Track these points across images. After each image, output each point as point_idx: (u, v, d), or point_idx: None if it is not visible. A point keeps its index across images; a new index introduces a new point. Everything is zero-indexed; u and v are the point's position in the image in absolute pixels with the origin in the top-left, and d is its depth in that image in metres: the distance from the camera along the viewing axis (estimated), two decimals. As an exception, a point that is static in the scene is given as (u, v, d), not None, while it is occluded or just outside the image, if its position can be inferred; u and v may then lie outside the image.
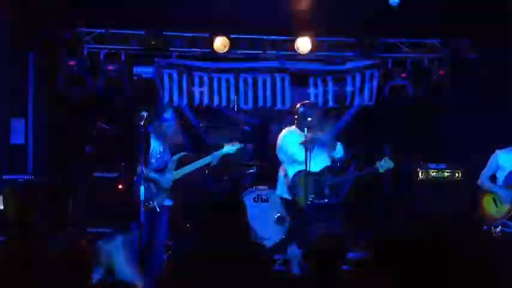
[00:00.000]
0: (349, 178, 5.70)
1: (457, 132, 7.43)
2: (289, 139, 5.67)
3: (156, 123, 5.24)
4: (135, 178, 5.18)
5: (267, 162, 6.90)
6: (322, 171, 5.57)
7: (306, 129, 5.36)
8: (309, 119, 5.50)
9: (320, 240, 3.05)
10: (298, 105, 5.73)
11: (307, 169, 5.27)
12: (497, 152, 5.73)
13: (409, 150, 7.16)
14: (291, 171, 5.60)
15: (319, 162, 5.57)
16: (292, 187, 5.54)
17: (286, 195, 5.61)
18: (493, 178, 5.75)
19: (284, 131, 5.77)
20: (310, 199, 5.41)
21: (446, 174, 6.82)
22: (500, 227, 5.21)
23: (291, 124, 5.81)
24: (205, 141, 7.40)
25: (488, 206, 5.64)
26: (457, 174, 6.80)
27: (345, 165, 5.80)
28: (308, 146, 5.34)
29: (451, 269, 1.97)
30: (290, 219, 5.29)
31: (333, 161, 5.66)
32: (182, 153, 5.39)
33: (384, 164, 5.59)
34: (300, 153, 5.49)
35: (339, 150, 5.69)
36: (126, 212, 5.27)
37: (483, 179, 5.75)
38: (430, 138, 7.38)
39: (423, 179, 6.90)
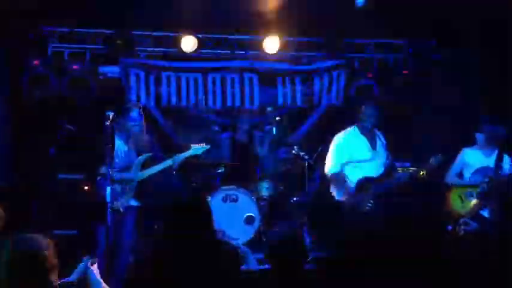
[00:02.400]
0: (399, 181, 5.67)
1: (421, 130, 7.55)
2: (351, 139, 5.70)
3: (121, 123, 5.18)
4: (100, 179, 5.12)
5: (236, 162, 6.90)
6: (381, 176, 5.60)
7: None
8: (374, 118, 5.62)
9: (282, 241, 3.05)
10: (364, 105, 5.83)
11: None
12: (464, 149, 5.84)
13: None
14: (352, 174, 5.63)
15: (379, 165, 5.65)
16: (354, 193, 5.53)
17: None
18: (459, 176, 5.87)
19: (343, 133, 5.78)
20: (369, 205, 5.40)
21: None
22: (462, 226, 5.30)
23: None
24: (173, 141, 7.35)
25: (454, 202, 5.74)
26: (421, 172, 6.90)
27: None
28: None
29: (416, 267, 1.99)
30: (344, 224, 5.36)
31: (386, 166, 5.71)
32: (148, 154, 5.34)
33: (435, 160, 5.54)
34: (363, 153, 5.57)
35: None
36: (91, 213, 5.19)
37: (450, 176, 5.86)
38: (395, 137, 7.46)
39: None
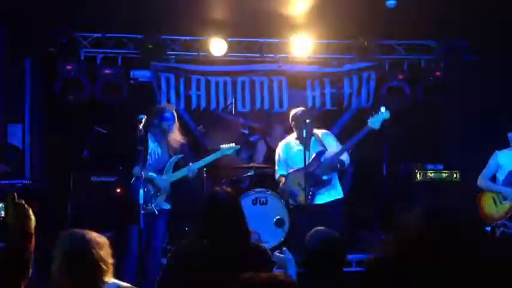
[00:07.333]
0: (344, 148, 5.48)
1: (454, 133, 7.44)
2: (286, 148, 5.70)
3: (155, 124, 5.25)
4: (133, 181, 5.18)
5: (266, 165, 6.90)
6: (311, 162, 5.39)
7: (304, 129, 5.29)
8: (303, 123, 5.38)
9: (320, 244, 3.03)
10: (292, 112, 5.70)
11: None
12: (497, 152, 5.74)
13: (406, 152, 7.15)
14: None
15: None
16: (287, 190, 5.56)
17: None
18: (492, 179, 5.76)
19: (281, 142, 5.82)
20: (311, 193, 5.37)
21: (444, 175, 6.81)
22: (501, 228, 5.21)
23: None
24: (203, 144, 7.39)
25: (488, 206, 5.65)
26: (455, 175, 6.79)
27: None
28: (306, 143, 5.30)
29: (455, 269, 1.94)
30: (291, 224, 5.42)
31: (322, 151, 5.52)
32: (180, 155, 5.39)
33: (377, 118, 5.39)
34: (296, 159, 5.50)
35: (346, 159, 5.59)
36: (124, 215, 5.26)
37: (483, 180, 5.75)
38: (427, 139, 7.38)
39: (421, 180, 6.88)
